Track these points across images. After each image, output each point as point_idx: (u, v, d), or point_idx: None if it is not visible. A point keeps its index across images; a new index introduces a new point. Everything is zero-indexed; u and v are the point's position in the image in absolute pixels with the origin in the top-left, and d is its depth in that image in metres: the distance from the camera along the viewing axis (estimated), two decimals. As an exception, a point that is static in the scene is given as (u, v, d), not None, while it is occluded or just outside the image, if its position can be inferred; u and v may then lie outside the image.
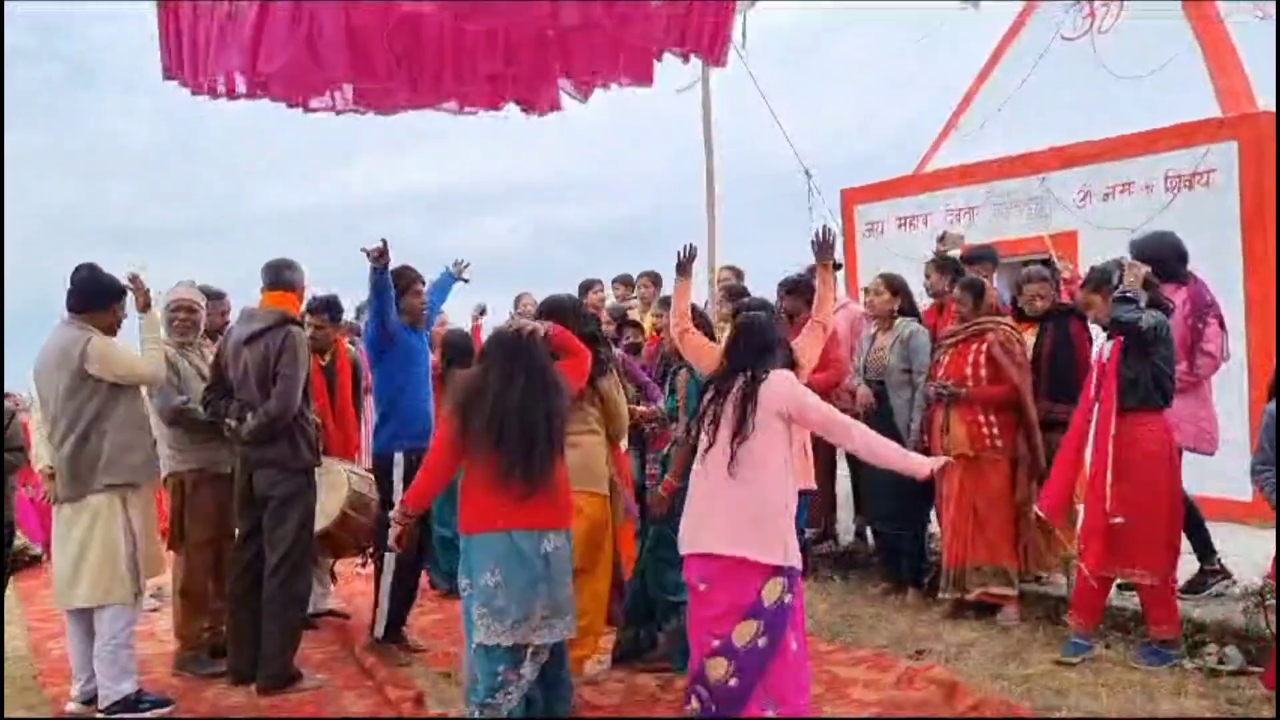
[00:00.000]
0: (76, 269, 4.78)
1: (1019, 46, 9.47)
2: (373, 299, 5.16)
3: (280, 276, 5.03)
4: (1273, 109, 7.29)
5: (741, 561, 3.70)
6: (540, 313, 4.69)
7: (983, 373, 5.52)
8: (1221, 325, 5.40)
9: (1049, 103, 8.63)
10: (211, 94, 5.06)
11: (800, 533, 5.92)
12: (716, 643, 3.71)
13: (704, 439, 3.85)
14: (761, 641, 3.68)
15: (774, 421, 3.78)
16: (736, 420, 3.76)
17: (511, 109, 5.96)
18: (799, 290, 6.14)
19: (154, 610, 6.29)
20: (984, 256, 6.62)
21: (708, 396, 3.92)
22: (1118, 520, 4.63)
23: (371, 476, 5.56)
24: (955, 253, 6.67)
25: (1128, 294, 4.66)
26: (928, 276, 6.48)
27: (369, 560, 5.74)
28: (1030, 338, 5.77)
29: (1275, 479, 4.22)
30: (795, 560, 3.78)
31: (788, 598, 3.74)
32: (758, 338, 3.96)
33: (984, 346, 5.54)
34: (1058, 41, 8.93)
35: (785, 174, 7.11)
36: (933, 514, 6.15)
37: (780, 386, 3.81)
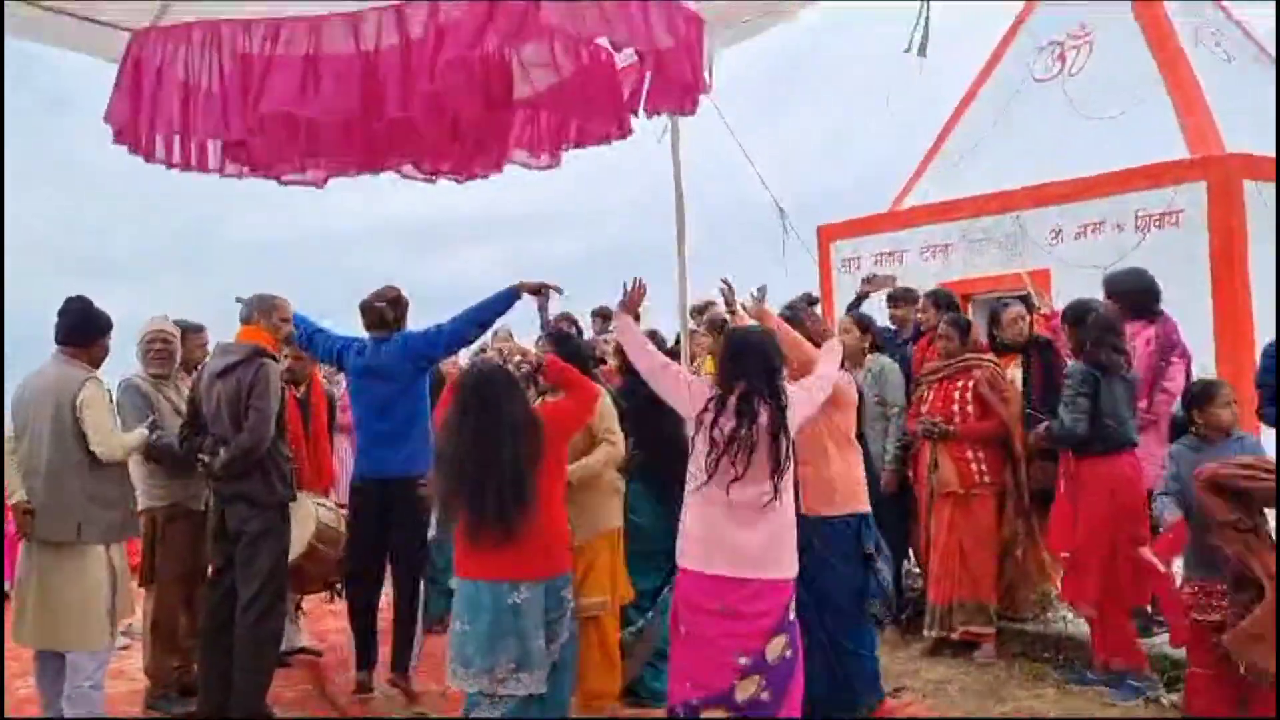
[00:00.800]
0: (67, 301, 4.72)
1: (992, 87, 9.64)
2: (480, 317, 5.14)
3: (255, 311, 5.00)
4: (1239, 150, 7.44)
5: (777, 582, 3.68)
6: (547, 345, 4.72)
7: (969, 409, 5.55)
8: (1187, 366, 5.43)
9: (1022, 142, 8.77)
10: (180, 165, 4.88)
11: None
12: (746, 660, 3.63)
13: (731, 469, 3.62)
14: (788, 653, 3.69)
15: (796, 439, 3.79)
16: (773, 455, 3.64)
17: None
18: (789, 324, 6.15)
19: (124, 648, 6.18)
20: (911, 298, 6.65)
21: (730, 422, 3.64)
22: (1064, 555, 5.03)
23: (340, 510, 5.52)
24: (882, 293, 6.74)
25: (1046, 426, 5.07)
26: (922, 310, 6.45)
27: (335, 597, 5.70)
28: (1014, 371, 5.78)
29: None
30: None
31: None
32: (757, 350, 3.76)
33: (970, 384, 5.56)
34: (1029, 83, 9.10)
35: (764, 206, 7.12)
36: (910, 551, 6.17)
37: (796, 400, 3.78)
